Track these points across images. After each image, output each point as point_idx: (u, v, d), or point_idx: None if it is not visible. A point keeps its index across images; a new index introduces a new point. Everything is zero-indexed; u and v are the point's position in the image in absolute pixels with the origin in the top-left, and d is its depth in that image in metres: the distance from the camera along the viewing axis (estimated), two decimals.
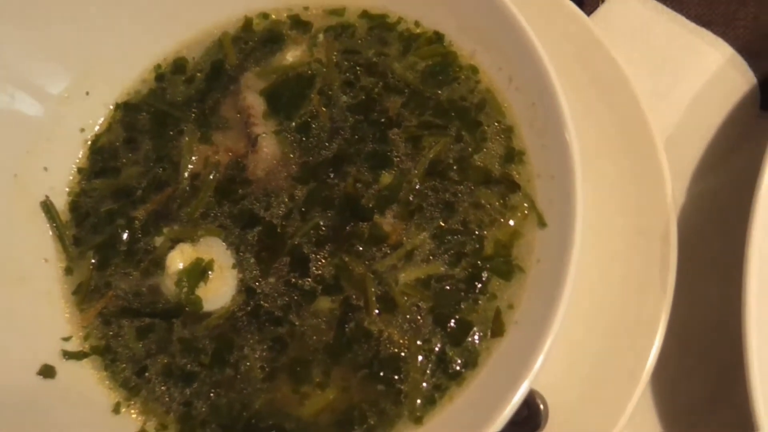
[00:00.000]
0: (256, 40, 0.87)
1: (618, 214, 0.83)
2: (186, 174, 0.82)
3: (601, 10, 0.97)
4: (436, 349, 0.72)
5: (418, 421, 0.70)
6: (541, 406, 0.77)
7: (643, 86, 0.87)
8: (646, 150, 0.83)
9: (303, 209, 0.78)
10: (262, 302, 0.75)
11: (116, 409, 0.75)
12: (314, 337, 0.74)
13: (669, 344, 0.80)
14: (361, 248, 0.75)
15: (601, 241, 0.82)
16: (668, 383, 0.82)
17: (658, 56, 0.94)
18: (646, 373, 0.76)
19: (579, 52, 0.87)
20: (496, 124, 0.79)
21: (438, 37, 0.83)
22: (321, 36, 0.86)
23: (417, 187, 0.77)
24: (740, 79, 0.92)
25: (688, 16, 0.98)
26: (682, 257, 0.79)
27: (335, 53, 0.85)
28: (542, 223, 0.73)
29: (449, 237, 0.75)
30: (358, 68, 0.83)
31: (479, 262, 0.74)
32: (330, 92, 0.82)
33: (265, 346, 0.74)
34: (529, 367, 0.64)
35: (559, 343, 0.78)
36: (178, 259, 0.78)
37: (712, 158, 0.89)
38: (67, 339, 0.77)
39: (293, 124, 0.82)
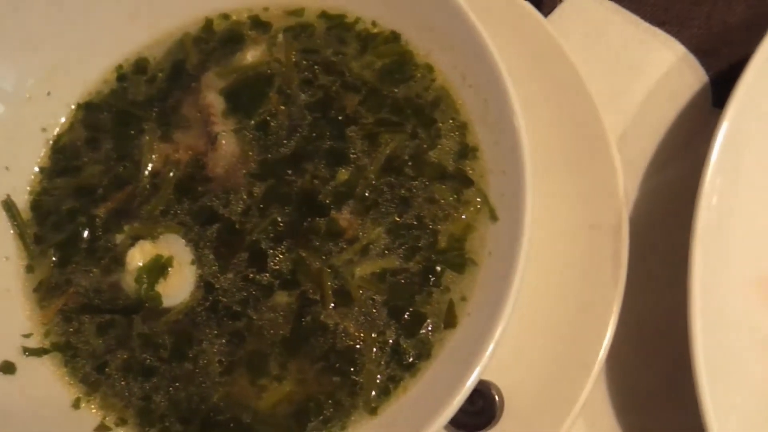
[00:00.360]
0: (216, 40, 0.88)
1: (572, 208, 0.85)
2: (146, 172, 0.83)
3: (558, 11, 0.99)
4: (391, 341, 0.73)
5: (372, 411, 0.71)
6: (497, 398, 0.79)
7: (598, 85, 0.88)
8: (599, 146, 0.85)
9: (261, 206, 0.79)
10: (220, 297, 0.76)
11: (76, 405, 0.75)
12: (271, 331, 0.75)
13: (622, 336, 0.82)
14: (317, 243, 0.77)
15: (555, 235, 0.84)
16: (622, 374, 0.84)
17: (613, 55, 0.96)
18: (598, 364, 0.78)
19: (535, 51, 0.89)
20: (450, 121, 0.80)
21: (395, 37, 0.85)
22: (280, 36, 0.87)
23: (373, 183, 0.78)
24: (692, 77, 0.94)
25: (644, 17, 1.00)
26: (634, 250, 0.81)
27: (294, 53, 0.86)
28: (494, 217, 0.75)
29: (404, 231, 0.76)
30: (316, 67, 0.85)
31: (433, 256, 0.75)
32: (289, 91, 0.84)
33: (223, 341, 0.75)
34: (479, 357, 0.66)
35: (514, 335, 0.80)
36: (138, 256, 0.79)
37: (665, 154, 0.91)
38: (27, 336, 0.78)
39: (252, 122, 0.83)
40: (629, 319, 0.83)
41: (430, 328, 0.73)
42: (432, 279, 0.74)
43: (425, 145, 0.80)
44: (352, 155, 0.80)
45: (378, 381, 0.72)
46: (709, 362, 0.72)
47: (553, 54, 0.89)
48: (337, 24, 0.87)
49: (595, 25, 0.98)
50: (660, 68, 0.95)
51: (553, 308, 0.82)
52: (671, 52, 0.96)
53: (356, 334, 0.73)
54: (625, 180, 0.84)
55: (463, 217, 0.77)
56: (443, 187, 0.78)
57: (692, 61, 0.96)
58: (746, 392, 0.74)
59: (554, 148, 0.87)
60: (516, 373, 0.80)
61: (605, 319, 0.78)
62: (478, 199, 0.77)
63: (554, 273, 0.83)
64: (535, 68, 0.89)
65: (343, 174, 0.79)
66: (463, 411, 0.77)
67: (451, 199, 0.77)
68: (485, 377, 0.80)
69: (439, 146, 0.80)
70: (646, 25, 0.98)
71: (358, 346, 0.73)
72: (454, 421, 0.79)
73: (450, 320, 0.73)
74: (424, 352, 0.72)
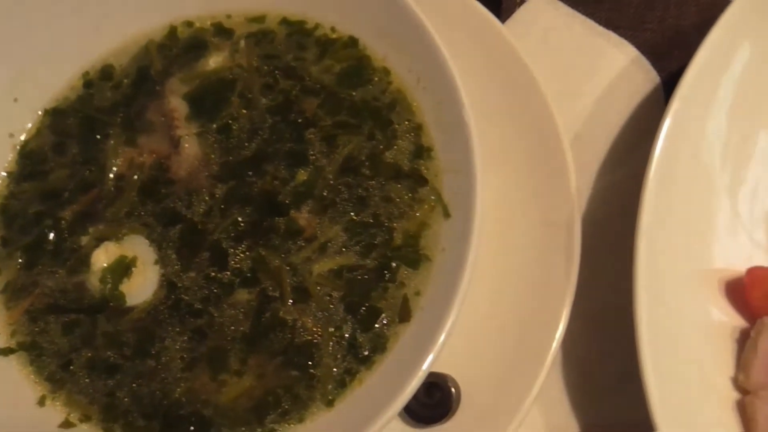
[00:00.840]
0: (180, 47, 0.91)
1: (526, 206, 0.88)
2: (111, 175, 0.85)
3: (516, 16, 1.02)
4: (347, 335, 0.75)
5: (329, 404, 0.73)
6: (453, 390, 0.81)
7: (553, 87, 0.91)
8: (553, 146, 0.88)
9: (222, 206, 0.81)
10: (182, 296, 0.79)
11: (41, 402, 0.77)
12: (232, 328, 0.77)
13: (578, 328, 0.85)
14: (277, 242, 0.79)
15: (510, 232, 0.87)
16: (578, 365, 0.86)
17: (569, 59, 0.99)
18: (551, 356, 0.80)
19: (491, 55, 0.92)
20: (406, 122, 0.83)
21: (353, 42, 0.87)
22: (242, 42, 0.90)
23: (331, 183, 0.81)
24: (644, 78, 0.97)
25: (600, 21, 1.04)
26: (587, 246, 0.84)
27: (255, 58, 0.88)
28: (447, 214, 0.77)
29: (361, 229, 0.79)
30: (277, 72, 0.87)
31: (388, 253, 0.78)
32: (250, 95, 0.86)
33: (185, 338, 0.77)
34: (430, 349, 0.68)
35: (471, 329, 0.83)
36: (102, 257, 0.81)
37: (618, 153, 0.94)
38: None
39: (214, 125, 0.85)
40: (584, 312, 0.85)
41: (385, 322, 0.75)
42: (387, 275, 0.77)
43: (382, 146, 0.82)
44: (311, 156, 0.82)
45: (335, 374, 0.74)
46: (654, 356, 0.74)
47: (508, 57, 0.92)
48: (298, 30, 0.89)
49: (551, 29, 1.01)
50: (613, 70, 0.98)
51: (509, 302, 0.84)
52: (624, 54, 0.99)
53: (314, 329, 0.76)
54: (578, 178, 0.87)
55: (418, 214, 0.79)
56: (399, 186, 0.80)
57: (645, 63, 0.99)
58: (689, 380, 0.76)
59: (510, 148, 0.90)
60: (473, 365, 0.82)
61: (558, 312, 0.81)
62: (432, 198, 0.79)
63: (509, 269, 0.86)
64: (491, 72, 0.92)
65: (302, 175, 0.81)
66: (422, 404, 0.81)
67: (406, 197, 0.80)
68: (443, 370, 0.82)
69: (395, 147, 0.82)
70: (600, 28, 1.01)
71: (315, 341, 0.75)
72: (413, 414, 0.82)
73: (404, 314, 0.75)
74: (380, 346, 0.74)
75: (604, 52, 0.99)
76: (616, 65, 0.98)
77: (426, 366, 0.67)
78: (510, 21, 1.02)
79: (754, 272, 0.80)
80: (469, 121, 0.75)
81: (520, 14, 1.02)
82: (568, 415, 0.85)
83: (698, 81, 0.80)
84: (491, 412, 0.80)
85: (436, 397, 0.81)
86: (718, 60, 0.83)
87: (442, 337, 0.68)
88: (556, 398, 0.86)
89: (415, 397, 0.80)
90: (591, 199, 0.92)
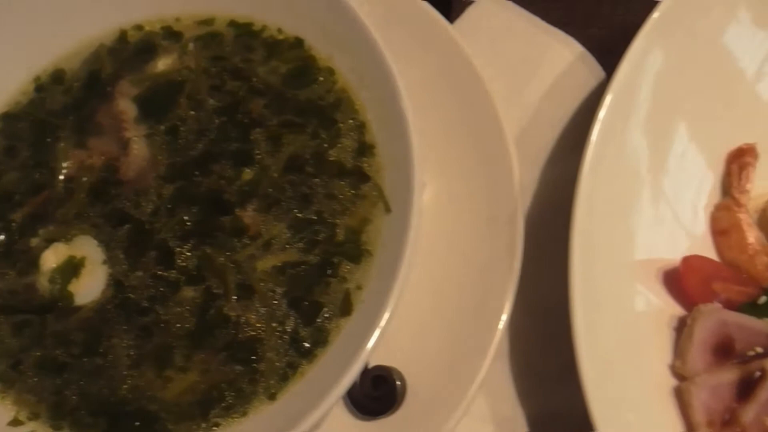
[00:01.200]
0: (130, 50, 0.92)
1: (472, 202, 0.90)
2: (61, 177, 0.86)
3: (465, 15, 1.04)
4: (290, 330, 0.77)
5: (272, 397, 0.75)
6: (399, 383, 0.82)
7: (500, 85, 0.93)
8: (497, 143, 0.90)
9: (169, 206, 0.82)
10: (129, 294, 0.80)
11: None
12: (177, 325, 0.78)
13: (523, 321, 0.87)
14: (222, 240, 0.80)
15: (456, 227, 0.89)
16: (523, 356, 0.88)
17: (515, 56, 1.01)
18: (494, 346, 0.81)
19: (437, 54, 0.94)
20: (350, 120, 0.84)
21: (299, 43, 0.89)
22: (191, 45, 0.91)
23: (276, 181, 0.82)
24: (589, 74, 0.99)
25: (550, 19, 1.06)
26: (532, 240, 0.86)
27: (204, 60, 0.90)
28: (388, 210, 0.79)
29: (304, 226, 0.80)
30: (224, 73, 0.89)
31: (331, 248, 0.79)
32: (198, 97, 0.88)
33: (132, 336, 0.78)
34: (368, 342, 0.70)
35: (417, 322, 0.85)
36: (51, 258, 0.82)
37: (563, 148, 0.95)
38: None
39: (163, 127, 0.87)
40: (529, 305, 0.87)
41: (326, 316, 0.77)
42: (329, 270, 0.78)
43: (326, 145, 0.84)
44: (256, 156, 0.84)
45: (277, 368, 0.75)
46: (590, 347, 0.76)
47: (455, 57, 0.94)
48: (245, 32, 0.91)
49: (499, 28, 1.03)
50: (559, 67, 1.00)
51: (454, 295, 0.86)
52: (570, 51, 1.01)
53: (257, 324, 0.77)
54: (524, 173, 0.89)
55: (360, 211, 0.80)
56: (342, 183, 0.82)
57: (590, 59, 1.01)
58: (627, 368, 0.78)
59: (455, 145, 0.92)
60: (419, 358, 0.84)
61: (500, 304, 0.83)
62: (375, 194, 0.81)
63: (455, 263, 0.88)
64: (437, 71, 0.94)
65: (248, 174, 0.83)
66: (369, 397, 0.82)
67: (349, 194, 0.81)
68: (390, 363, 0.84)
69: (339, 145, 0.84)
70: (548, 26, 1.03)
71: (259, 336, 0.77)
72: (360, 407, 0.84)
73: (345, 308, 0.76)
74: (321, 339, 0.76)
75: (550, 50, 1.01)
76: (562, 62, 1.00)
77: (362, 357, 0.69)
78: (459, 21, 1.04)
79: (688, 261, 0.81)
80: (408, 117, 0.77)
81: (469, 14, 1.04)
82: (515, 406, 0.87)
83: (628, 79, 0.82)
84: (436, 403, 0.81)
85: (382, 390, 0.82)
86: (646, 59, 0.86)
87: (377, 331, 0.70)
88: (503, 390, 0.88)
89: (363, 391, 0.82)
90: (536, 194, 0.94)
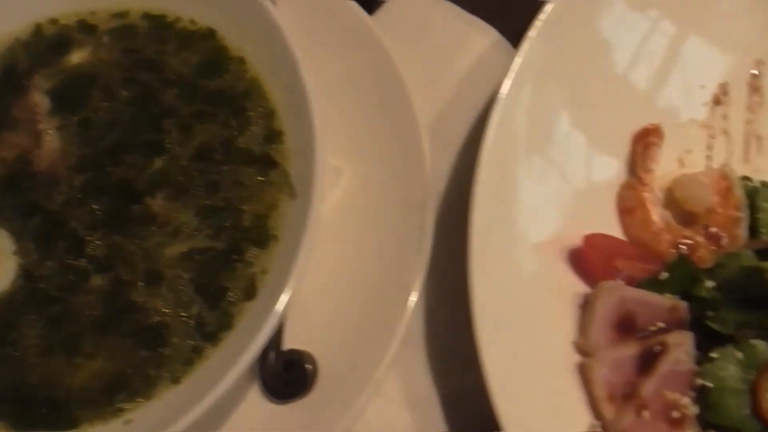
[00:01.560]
0: (45, 44, 0.93)
1: (387, 188, 0.91)
2: None
3: (385, 7, 1.05)
4: (195, 314, 0.78)
5: (176, 381, 0.76)
6: (308, 366, 0.83)
7: (417, 73, 0.95)
8: (410, 130, 0.91)
9: (80, 196, 0.83)
10: (40, 284, 0.80)
11: None
12: (86, 313, 0.79)
13: (435, 305, 0.88)
14: (132, 229, 0.81)
15: (370, 213, 0.90)
16: (435, 338, 0.90)
17: (433, 45, 1.02)
18: (403, 326, 0.82)
19: (357, 47, 0.96)
20: (259, 108, 0.86)
21: (211, 33, 0.90)
22: (105, 37, 0.92)
23: (185, 170, 0.83)
24: (505, 60, 1.00)
25: (470, 8, 1.07)
26: (446, 226, 0.88)
27: (117, 52, 0.91)
28: (293, 195, 0.80)
29: (212, 213, 0.81)
30: (137, 65, 0.90)
31: (238, 234, 0.80)
32: (111, 89, 0.89)
33: (41, 324, 0.79)
34: (268, 324, 0.71)
35: (328, 305, 0.86)
36: None
37: (477, 133, 0.97)
38: None
39: (75, 119, 0.87)
40: (441, 289, 0.89)
41: (231, 300, 0.78)
42: (236, 255, 0.79)
43: (235, 132, 0.85)
44: (167, 145, 0.85)
45: (183, 352, 0.76)
46: (489, 328, 0.78)
47: (373, 49, 0.95)
48: (159, 24, 0.92)
49: (419, 19, 1.05)
50: (475, 54, 1.01)
51: (366, 279, 0.87)
52: (488, 39, 1.03)
53: (164, 310, 0.78)
54: (438, 160, 0.91)
55: (268, 196, 0.82)
56: (250, 170, 0.83)
57: (507, 46, 1.02)
58: (531, 348, 0.80)
59: (373, 134, 0.94)
60: (330, 341, 0.85)
61: (409, 284, 0.84)
62: (282, 180, 0.82)
63: (369, 248, 0.89)
64: (357, 64, 0.95)
65: (158, 163, 0.84)
66: (281, 380, 0.83)
67: (257, 180, 0.83)
68: (302, 347, 0.85)
69: (249, 132, 0.85)
70: (465, 14, 1.04)
71: (165, 322, 0.78)
72: (272, 391, 0.85)
73: (250, 292, 0.77)
74: (226, 323, 0.77)
75: (467, 37, 1.03)
76: (478, 49, 1.02)
77: (260, 340, 0.70)
78: (378, 12, 1.05)
79: (590, 239, 0.83)
80: (311, 104, 0.79)
81: (389, 6, 1.05)
82: (429, 387, 0.88)
83: (529, 61, 0.84)
84: (346, 384, 0.83)
85: (294, 373, 0.83)
86: (547, 44, 0.88)
87: (278, 313, 0.71)
88: (418, 372, 0.89)
89: (274, 374, 0.83)
90: (450, 179, 0.95)
